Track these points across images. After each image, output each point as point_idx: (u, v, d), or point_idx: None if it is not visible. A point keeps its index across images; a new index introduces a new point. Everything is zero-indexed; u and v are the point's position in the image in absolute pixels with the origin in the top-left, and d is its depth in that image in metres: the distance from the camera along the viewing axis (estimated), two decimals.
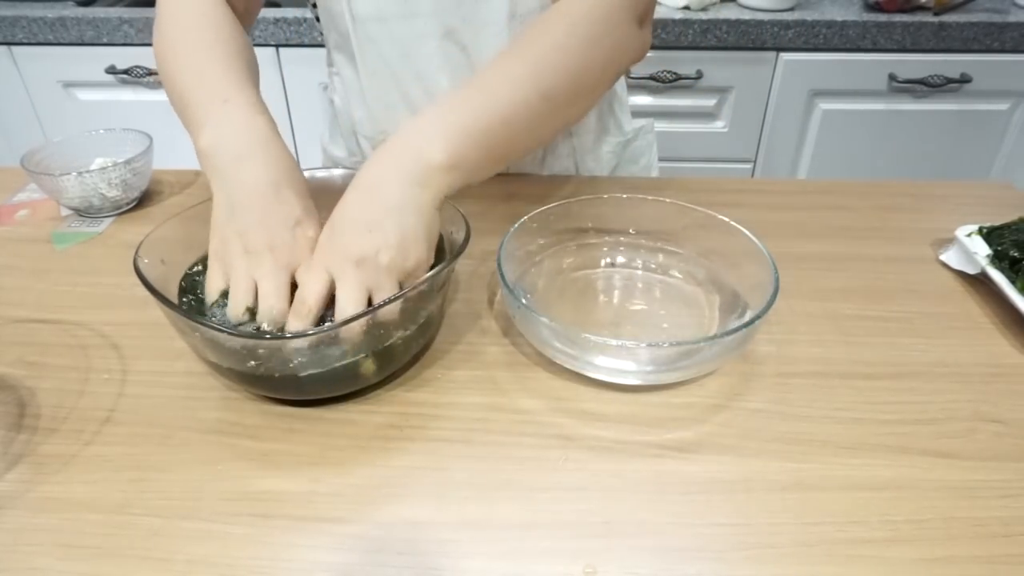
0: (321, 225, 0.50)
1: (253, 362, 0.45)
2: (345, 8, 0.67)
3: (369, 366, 0.47)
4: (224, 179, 0.50)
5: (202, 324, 0.43)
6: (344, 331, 0.44)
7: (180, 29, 0.59)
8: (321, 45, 0.77)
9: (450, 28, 0.66)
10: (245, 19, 0.66)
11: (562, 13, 0.55)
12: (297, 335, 0.45)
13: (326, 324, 0.47)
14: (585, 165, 0.82)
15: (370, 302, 0.46)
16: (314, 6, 0.74)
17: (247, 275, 0.48)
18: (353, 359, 0.46)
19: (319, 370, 0.45)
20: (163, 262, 0.50)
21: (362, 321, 0.45)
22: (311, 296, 0.46)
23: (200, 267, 0.53)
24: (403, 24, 0.67)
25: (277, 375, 0.45)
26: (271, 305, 0.47)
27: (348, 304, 0.46)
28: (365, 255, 0.46)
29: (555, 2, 0.57)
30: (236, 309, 0.48)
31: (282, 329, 0.47)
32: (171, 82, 0.57)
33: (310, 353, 0.45)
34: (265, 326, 0.47)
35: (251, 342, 0.45)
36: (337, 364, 0.45)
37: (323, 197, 0.59)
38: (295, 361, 0.45)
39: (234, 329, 0.46)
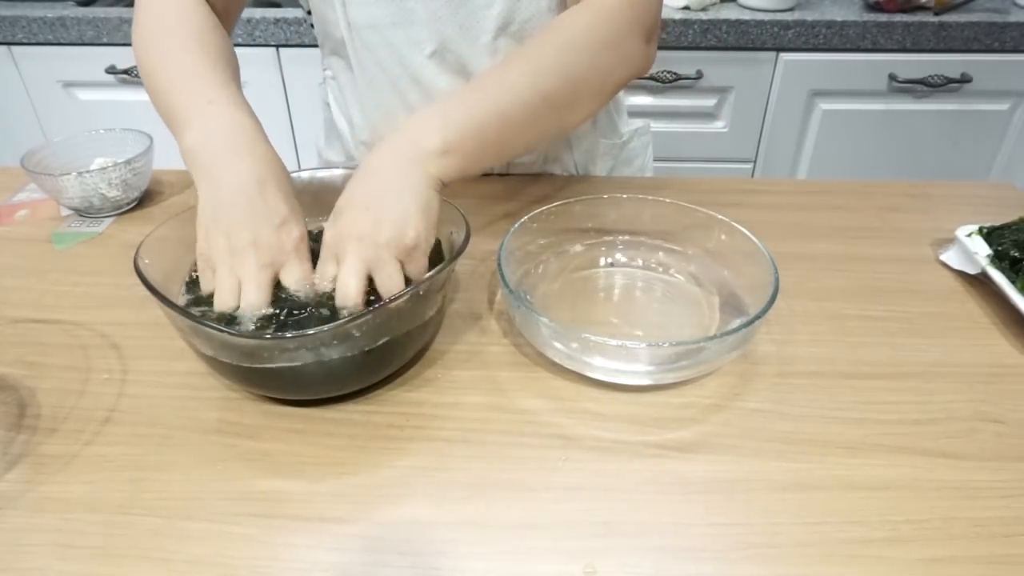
0: (306, 224, 0.51)
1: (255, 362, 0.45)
2: (340, 16, 0.67)
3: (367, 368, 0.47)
4: (209, 178, 0.50)
5: (202, 324, 0.43)
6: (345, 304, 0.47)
7: (161, 29, 0.59)
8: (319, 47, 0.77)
9: (445, 36, 0.66)
10: (225, 19, 0.66)
11: (570, 22, 0.57)
12: (297, 335, 0.45)
13: (326, 324, 0.47)
14: (583, 168, 0.82)
15: (371, 279, 0.47)
16: (309, 12, 0.74)
17: (231, 273, 0.48)
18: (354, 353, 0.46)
19: (316, 371, 0.45)
20: (163, 262, 0.50)
21: (361, 299, 0.47)
22: (325, 283, 0.49)
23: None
24: (398, 31, 0.67)
25: (278, 372, 0.45)
26: (252, 303, 0.47)
27: (348, 278, 0.47)
28: (364, 232, 0.47)
29: (561, 12, 0.57)
30: (221, 308, 0.48)
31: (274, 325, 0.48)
32: (153, 82, 0.57)
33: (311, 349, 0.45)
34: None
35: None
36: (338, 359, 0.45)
37: (323, 197, 0.59)
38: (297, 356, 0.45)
39: (234, 329, 0.46)
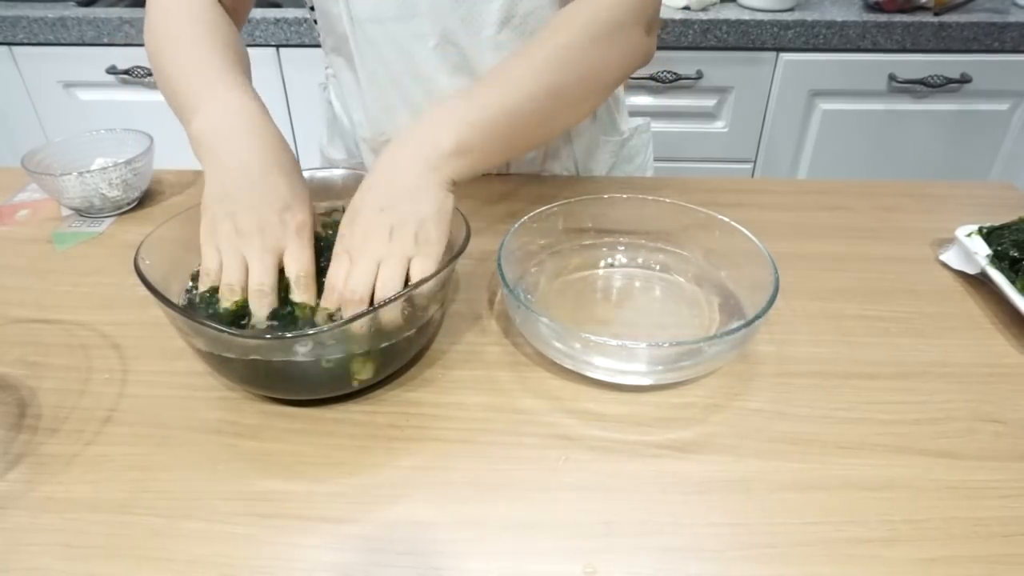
0: (312, 207, 0.52)
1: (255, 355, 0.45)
2: (343, 10, 0.67)
3: (367, 367, 0.47)
4: (215, 161, 0.51)
5: (202, 324, 0.43)
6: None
7: (172, 25, 0.60)
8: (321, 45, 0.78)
9: (448, 29, 0.66)
10: (233, 17, 0.66)
11: (571, 16, 0.57)
12: (298, 335, 0.45)
13: (326, 325, 0.47)
14: (583, 165, 0.82)
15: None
16: (312, 9, 0.74)
17: (237, 254, 0.49)
18: (353, 355, 0.46)
19: (318, 369, 0.45)
20: (163, 262, 0.50)
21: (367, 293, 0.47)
22: (339, 281, 0.48)
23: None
24: (401, 25, 0.67)
25: (278, 371, 0.45)
26: (258, 282, 0.48)
27: (359, 279, 0.47)
28: (378, 235, 0.48)
29: (563, 6, 0.58)
30: (228, 281, 0.48)
31: (275, 317, 0.48)
32: (164, 75, 0.58)
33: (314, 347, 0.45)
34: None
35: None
36: (337, 361, 0.45)
37: (323, 197, 0.59)
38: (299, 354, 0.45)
39: (234, 329, 0.46)
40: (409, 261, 0.48)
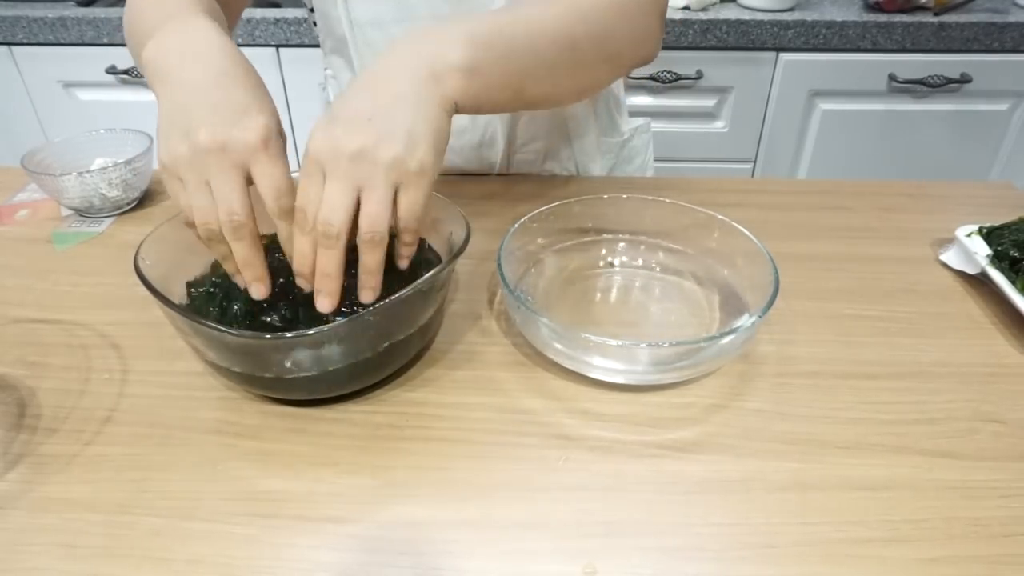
0: (277, 114, 0.45)
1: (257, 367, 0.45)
2: (343, 12, 0.67)
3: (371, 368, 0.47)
4: (166, 80, 0.45)
5: (202, 324, 0.43)
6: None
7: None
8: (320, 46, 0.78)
9: None
10: (226, 10, 0.64)
11: None
12: (298, 335, 0.45)
13: (326, 324, 0.47)
14: (583, 166, 0.82)
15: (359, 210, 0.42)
16: (311, 10, 0.74)
17: (201, 181, 0.42)
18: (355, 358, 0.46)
19: (316, 372, 0.45)
20: (163, 262, 0.50)
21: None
22: (311, 205, 0.42)
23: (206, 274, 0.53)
24: (400, 28, 0.66)
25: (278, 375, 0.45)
26: (227, 210, 0.41)
27: (335, 201, 0.41)
28: (363, 147, 0.40)
29: None
30: (203, 221, 0.43)
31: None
32: (132, 29, 0.54)
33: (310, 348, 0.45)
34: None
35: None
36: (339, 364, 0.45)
37: None
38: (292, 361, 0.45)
39: (234, 329, 0.46)
40: (394, 191, 0.42)
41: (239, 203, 0.42)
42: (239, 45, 0.61)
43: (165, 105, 0.44)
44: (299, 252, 0.43)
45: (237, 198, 0.42)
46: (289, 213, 0.43)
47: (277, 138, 0.44)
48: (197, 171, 0.42)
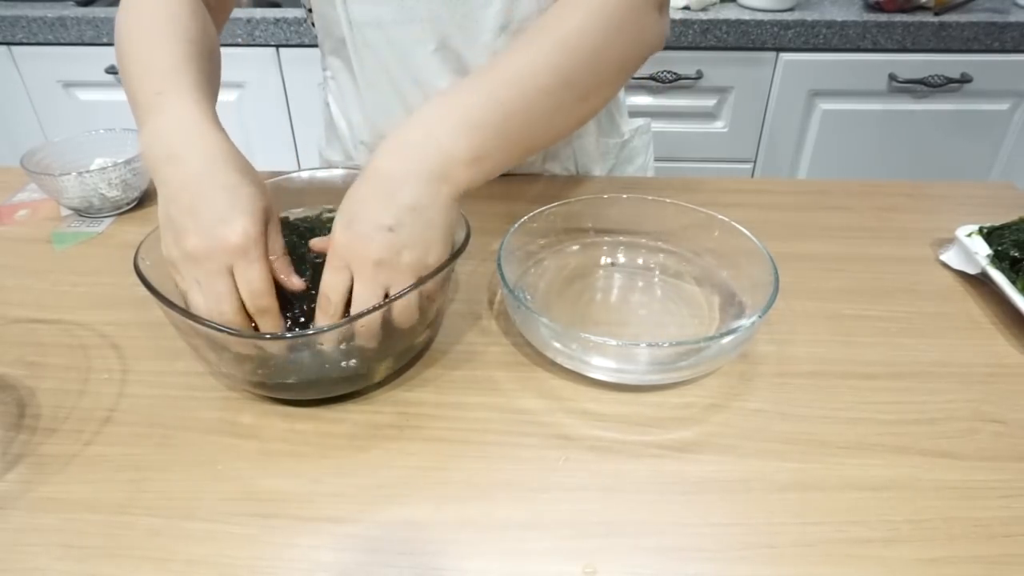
0: (260, 215, 0.47)
1: (260, 370, 0.45)
2: (342, 13, 0.67)
3: (379, 368, 0.47)
4: (157, 176, 0.48)
5: (203, 324, 0.43)
6: (360, 327, 0.45)
7: (136, 19, 0.56)
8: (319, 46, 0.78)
9: (445, 34, 0.66)
10: (217, 12, 0.64)
11: (577, 1, 0.52)
12: (297, 335, 0.45)
13: (326, 324, 0.47)
14: (584, 166, 0.82)
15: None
16: (309, 11, 0.74)
17: (195, 282, 0.45)
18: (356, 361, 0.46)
19: (319, 375, 0.45)
20: (164, 262, 0.50)
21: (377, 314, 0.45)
22: (335, 294, 0.46)
23: None
24: (400, 30, 0.66)
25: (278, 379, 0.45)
26: (218, 311, 0.45)
27: (364, 301, 0.45)
28: (385, 257, 0.44)
29: None
30: (212, 318, 0.45)
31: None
32: (123, 73, 0.55)
33: (312, 356, 0.45)
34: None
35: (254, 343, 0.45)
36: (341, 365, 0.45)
37: (322, 197, 0.59)
38: (296, 365, 0.45)
39: (234, 329, 0.46)
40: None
41: (228, 304, 0.45)
42: (238, 45, 0.61)
43: (160, 200, 0.47)
44: (319, 321, 0.47)
45: (227, 303, 0.45)
46: (266, 312, 0.46)
47: (257, 241, 0.46)
48: (190, 273, 0.46)
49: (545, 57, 0.50)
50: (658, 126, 1.38)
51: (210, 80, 0.56)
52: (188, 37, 0.55)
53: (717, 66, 1.36)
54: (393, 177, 0.46)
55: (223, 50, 0.64)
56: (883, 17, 1.32)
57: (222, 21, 0.69)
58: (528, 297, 0.58)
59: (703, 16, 1.31)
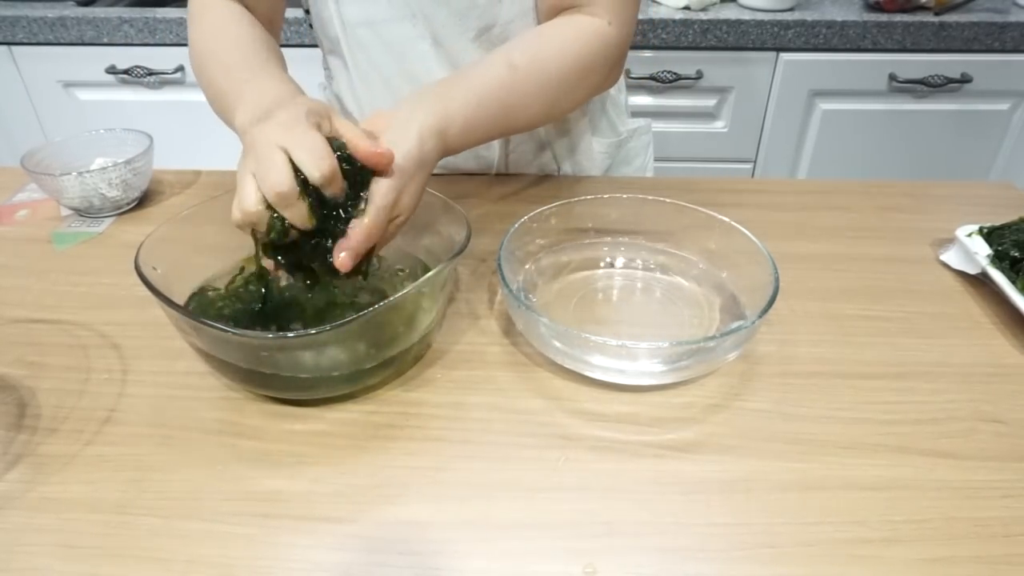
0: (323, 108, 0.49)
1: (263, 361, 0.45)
2: (334, 13, 0.68)
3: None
4: (247, 143, 0.48)
5: (203, 324, 0.43)
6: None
7: (212, 42, 0.62)
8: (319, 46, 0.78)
9: (436, 34, 0.67)
10: (269, 28, 0.68)
11: (536, 49, 0.60)
12: (299, 334, 0.45)
13: (326, 324, 0.47)
14: (579, 165, 0.82)
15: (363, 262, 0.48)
16: (307, 11, 0.74)
17: (274, 152, 0.44)
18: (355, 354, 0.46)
19: (316, 372, 0.45)
20: (164, 262, 0.50)
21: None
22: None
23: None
24: (392, 28, 0.67)
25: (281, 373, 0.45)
26: (311, 156, 0.44)
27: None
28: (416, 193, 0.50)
29: (541, 17, 0.62)
30: (277, 197, 0.43)
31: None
32: (209, 87, 0.61)
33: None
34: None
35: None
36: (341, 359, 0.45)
37: None
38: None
39: (235, 329, 0.46)
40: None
41: (321, 145, 0.45)
42: None
43: (245, 155, 0.47)
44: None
45: (321, 144, 0.45)
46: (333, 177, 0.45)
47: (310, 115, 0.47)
48: (273, 145, 0.44)
49: (489, 100, 0.57)
50: (658, 126, 1.38)
51: (279, 64, 0.62)
52: (265, 46, 0.62)
53: (717, 66, 1.36)
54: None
55: None
56: (883, 17, 1.32)
57: (277, 29, 0.72)
58: (528, 297, 0.58)
59: (703, 16, 1.31)
